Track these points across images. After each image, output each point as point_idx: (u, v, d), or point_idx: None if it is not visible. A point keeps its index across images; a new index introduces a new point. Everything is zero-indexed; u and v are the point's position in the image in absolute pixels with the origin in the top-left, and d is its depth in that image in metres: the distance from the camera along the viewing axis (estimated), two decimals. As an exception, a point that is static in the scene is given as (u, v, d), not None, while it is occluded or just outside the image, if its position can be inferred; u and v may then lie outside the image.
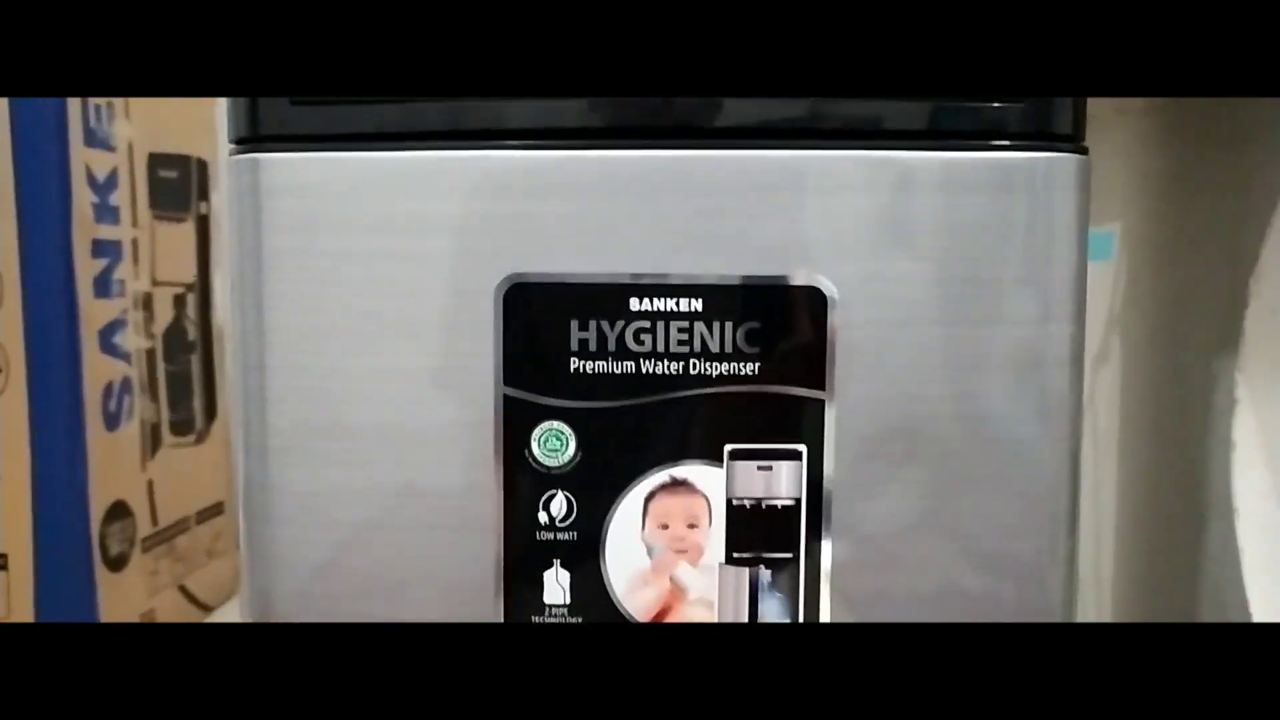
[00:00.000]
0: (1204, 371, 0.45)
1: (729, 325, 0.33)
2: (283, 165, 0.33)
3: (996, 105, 0.33)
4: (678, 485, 0.33)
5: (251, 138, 0.33)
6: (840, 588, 0.34)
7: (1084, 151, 0.34)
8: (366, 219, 0.33)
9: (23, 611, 0.66)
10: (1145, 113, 0.51)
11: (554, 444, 0.33)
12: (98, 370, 0.67)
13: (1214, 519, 0.43)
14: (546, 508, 0.34)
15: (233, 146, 0.34)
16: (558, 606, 0.34)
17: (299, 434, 0.33)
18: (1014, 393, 0.33)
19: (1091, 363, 0.47)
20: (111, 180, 0.69)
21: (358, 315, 0.33)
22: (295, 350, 0.33)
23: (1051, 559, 0.34)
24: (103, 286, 0.68)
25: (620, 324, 0.33)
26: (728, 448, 0.33)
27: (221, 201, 0.79)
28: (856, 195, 0.33)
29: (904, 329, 0.33)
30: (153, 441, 0.73)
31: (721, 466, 0.33)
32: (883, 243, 0.33)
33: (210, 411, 0.82)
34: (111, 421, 0.69)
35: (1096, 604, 0.54)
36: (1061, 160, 0.33)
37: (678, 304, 0.33)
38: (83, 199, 0.66)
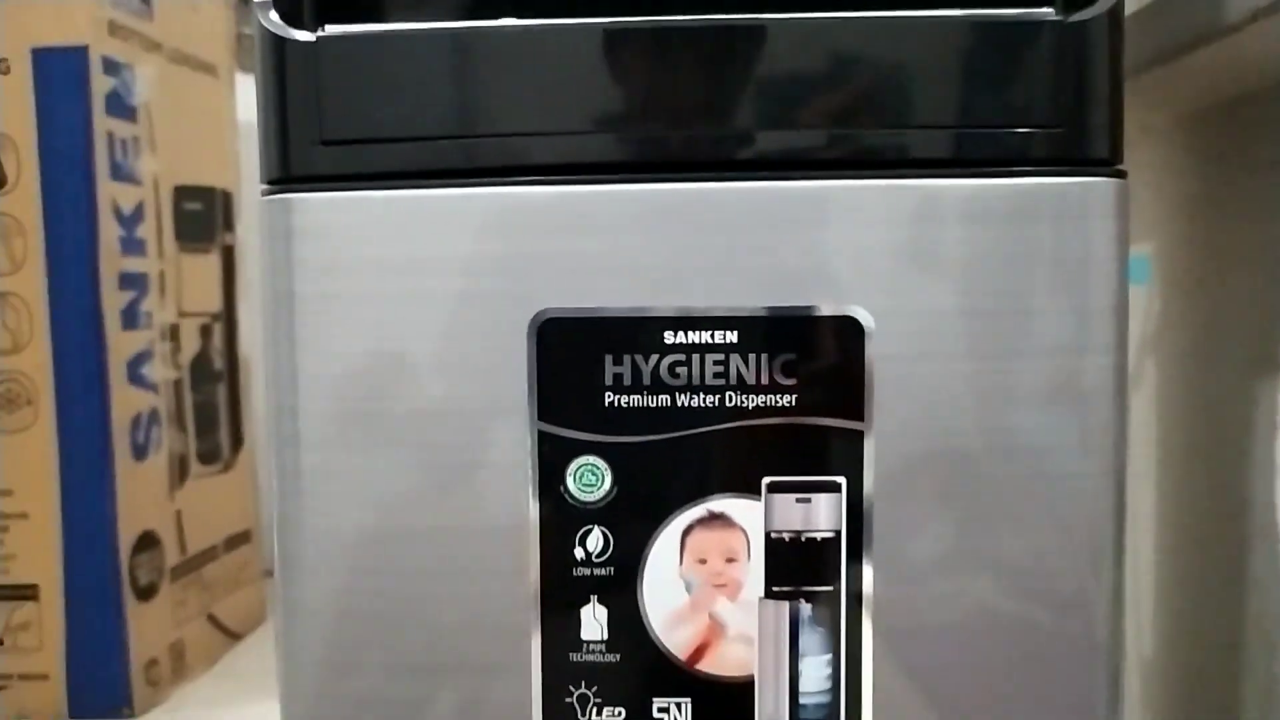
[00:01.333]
0: (1242, 393, 0.44)
1: (764, 357, 0.33)
2: (313, 206, 0.33)
3: (1029, 130, 0.33)
4: (715, 519, 0.33)
5: (283, 178, 0.33)
6: (881, 620, 0.33)
7: (1121, 175, 0.33)
8: (396, 259, 0.33)
9: (52, 642, 0.66)
10: (1170, 132, 0.51)
11: (589, 479, 0.33)
12: (125, 401, 0.67)
13: (1257, 544, 0.42)
14: (583, 543, 0.33)
15: (265, 187, 0.34)
16: (595, 643, 0.33)
17: (333, 477, 0.33)
18: (1052, 424, 0.33)
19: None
20: (138, 213, 0.69)
21: (389, 356, 0.33)
22: (326, 393, 0.33)
23: (1097, 591, 0.33)
24: (130, 318, 0.68)
25: (655, 357, 0.33)
26: (765, 480, 0.33)
27: (246, 232, 0.80)
28: (886, 225, 0.32)
29: (939, 359, 0.33)
30: (180, 471, 0.74)
31: (759, 499, 0.33)
32: (916, 272, 0.33)
33: (236, 440, 0.82)
34: (139, 452, 0.69)
35: (1137, 631, 0.53)
36: (1098, 185, 0.33)
37: (712, 336, 0.33)
38: (109, 232, 0.66)
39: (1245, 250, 0.45)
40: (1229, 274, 0.46)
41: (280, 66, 0.33)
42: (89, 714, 0.67)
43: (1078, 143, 0.33)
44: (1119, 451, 0.33)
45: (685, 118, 0.33)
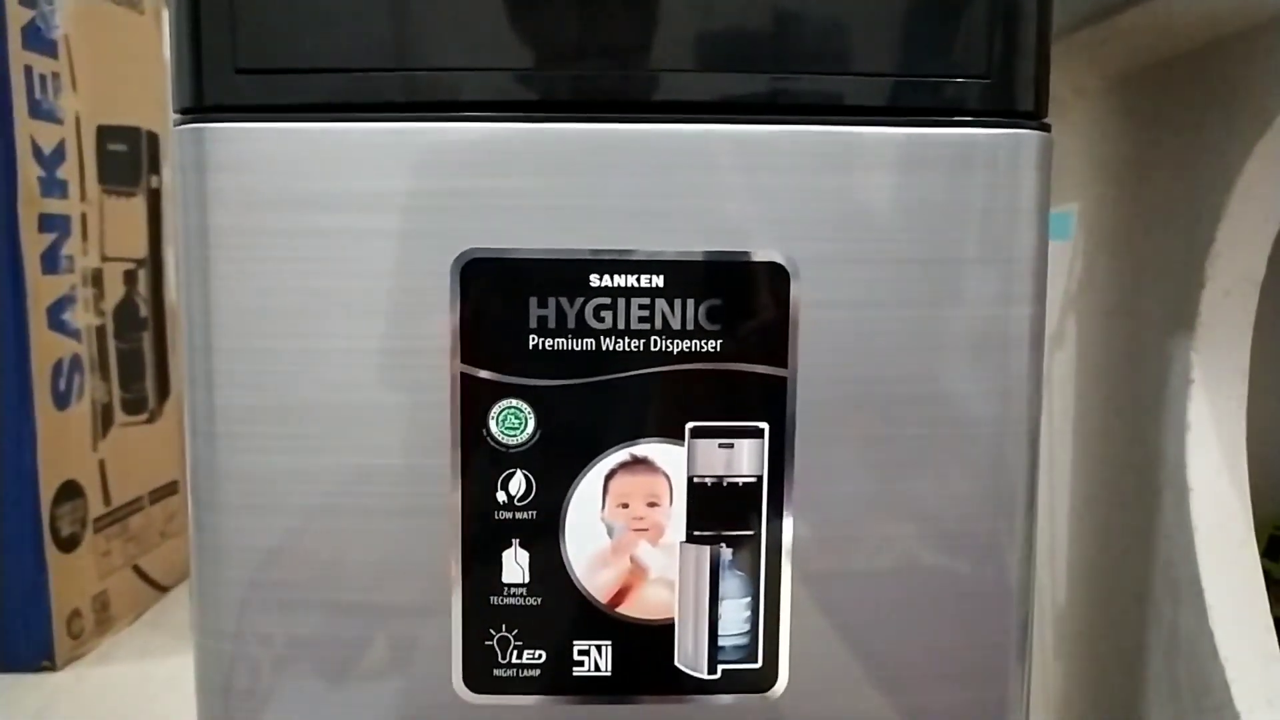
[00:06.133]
0: (1160, 352, 0.45)
1: (690, 302, 0.33)
2: (229, 136, 0.32)
3: (958, 81, 0.33)
4: (638, 464, 0.33)
5: (196, 107, 0.32)
6: (800, 564, 0.34)
7: (1046, 129, 0.34)
8: (316, 193, 0.32)
9: (-30, 594, 0.65)
10: (1102, 94, 0.52)
11: (512, 422, 0.33)
12: (46, 348, 0.66)
13: (1167, 498, 0.44)
14: (505, 487, 0.33)
15: (177, 116, 0.33)
16: (516, 586, 0.33)
17: (248, 418, 0.33)
18: (974, 373, 0.33)
19: (1048, 343, 0.47)
20: (59, 153, 0.67)
21: (309, 294, 0.32)
22: (244, 332, 0.32)
23: (1010, 539, 0.34)
24: (50, 262, 0.66)
25: (580, 301, 0.33)
26: (689, 426, 0.33)
27: (173, 175, 0.77)
28: (816, 172, 0.32)
29: (865, 308, 0.33)
30: (104, 420, 0.72)
31: (682, 445, 0.33)
32: (844, 220, 0.33)
33: (163, 390, 0.80)
34: (61, 400, 0.67)
35: (1051, 581, 0.55)
36: (1024, 137, 0.33)
37: (638, 280, 0.33)
38: (29, 172, 0.64)
39: (1167, 211, 0.46)
40: (1150, 234, 0.47)
41: (193, -14, 0.32)
42: (9, 667, 0.66)
43: (1005, 95, 0.33)
44: (1034, 402, 0.34)
45: (618, 58, 0.33)
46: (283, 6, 0.32)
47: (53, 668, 0.66)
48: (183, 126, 0.32)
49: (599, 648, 0.34)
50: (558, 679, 0.34)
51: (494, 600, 0.33)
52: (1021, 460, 0.34)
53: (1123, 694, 0.48)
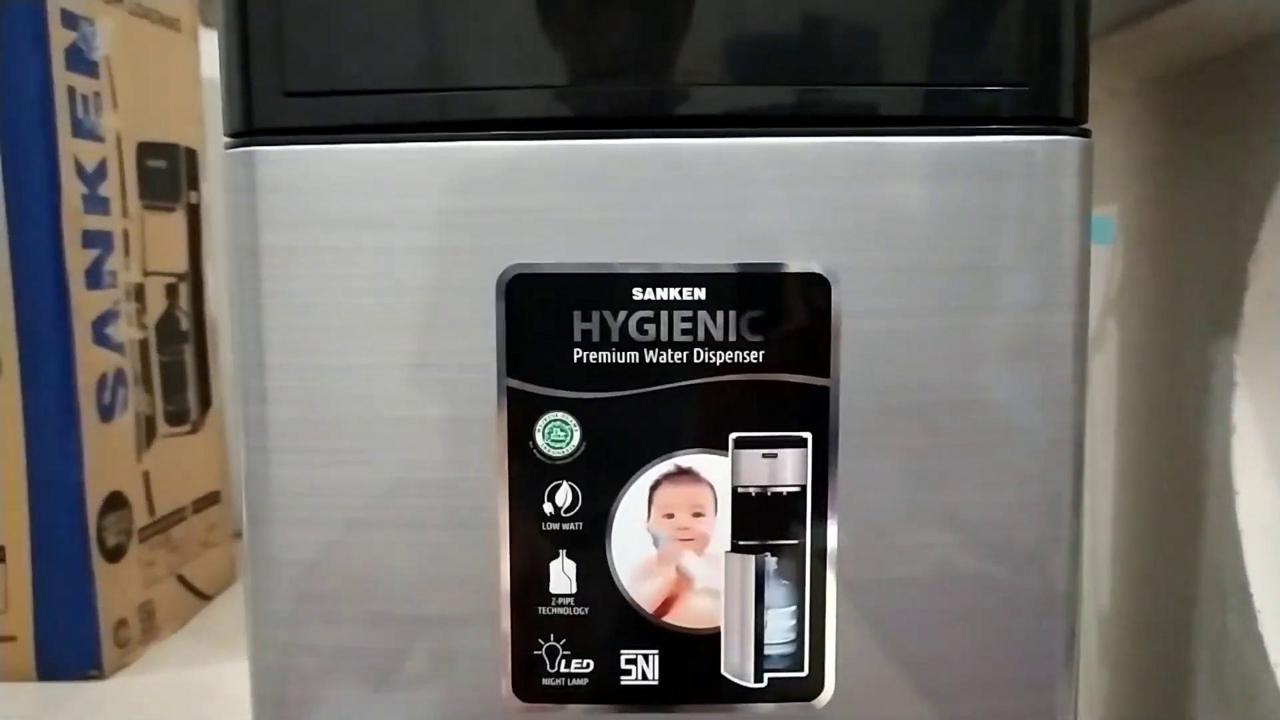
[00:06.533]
0: (1202, 355, 0.45)
1: (732, 314, 0.33)
2: (278, 158, 0.33)
3: (995, 89, 0.33)
4: (682, 474, 0.33)
5: (245, 130, 0.33)
6: (845, 574, 0.34)
7: (1087, 134, 0.33)
8: (363, 212, 0.33)
9: (20, 604, 0.66)
10: (1138, 96, 0.51)
11: (558, 435, 0.33)
12: (91, 362, 0.67)
13: (1212, 501, 0.43)
14: (551, 499, 0.34)
15: (227, 140, 0.33)
16: (564, 596, 0.34)
17: (300, 432, 0.33)
18: (1016, 380, 0.33)
19: (1089, 348, 0.47)
20: (100, 171, 0.68)
21: (356, 311, 0.33)
22: (294, 348, 0.33)
23: (1056, 546, 0.34)
24: (94, 278, 0.67)
25: (623, 314, 0.33)
26: (732, 436, 0.33)
27: (211, 191, 0.79)
28: (854, 182, 0.33)
29: (906, 317, 0.33)
30: (147, 432, 0.73)
31: (726, 455, 0.33)
32: (883, 229, 0.33)
33: (205, 401, 0.81)
34: (106, 413, 0.68)
35: (1095, 586, 0.55)
36: (1064, 143, 0.33)
37: (680, 293, 0.33)
38: (71, 190, 0.65)
39: (1207, 212, 0.45)
40: (1190, 236, 0.47)
41: (243, 14, 0.32)
42: (57, 675, 0.67)
43: (1043, 101, 0.33)
44: (1078, 408, 0.34)
45: (651, 73, 0.33)
46: (328, 30, 0.32)
47: (100, 676, 0.68)
48: (233, 150, 0.33)
49: (646, 656, 0.34)
50: (605, 687, 0.34)
51: (542, 610, 0.34)
52: (1066, 467, 0.34)
53: (1170, 700, 0.47)
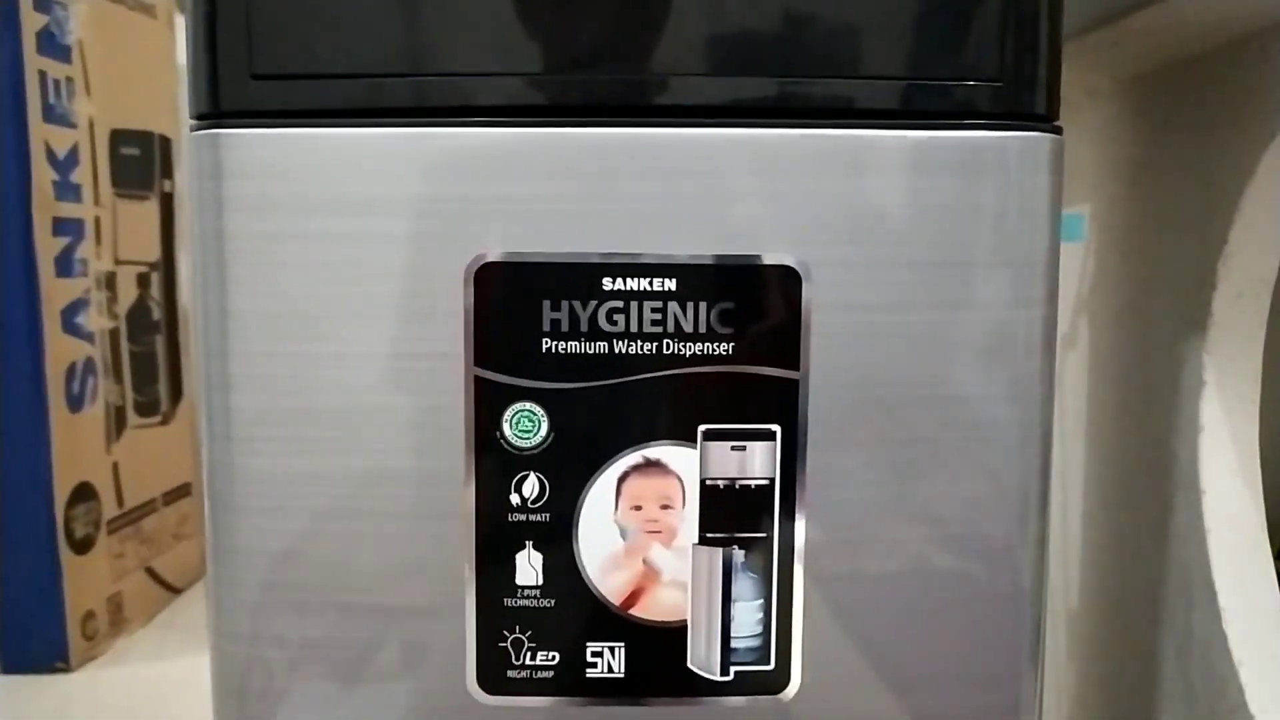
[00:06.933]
0: (1171, 354, 0.45)
1: (702, 305, 0.33)
2: (245, 142, 0.32)
3: (969, 84, 0.33)
4: (651, 466, 0.33)
5: (213, 113, 0.32)
6: (813, 567, 0.34)
7: (1058, 131, 0.34)
8: (331, 198, 0.32)
9: (-15, 595, 0.65)
10: (1114, 96, 0.51)
11: (526, 425, 0.33)
12: (60, 351, 0.66)
13: (1180, 500, 0.44)
14: (518, 489, 0.33)
15: (193, 122, 0.33)
16: (530, 589, 0.34)
17: (264, 421, 0.33)
18: (986, 376, 0.33)
19: (1059, 345, 0.47)
20: (72, 157, 0.67)
21: (323, 299, 0.32)
22: (259, 335, 0.33)
23: (1022, 541, 0.34)
24: (64, 266, 0.66)
25: (593, 304, 0.33)
26: (701, 428, 0.33)
27: (187, 180, 0.78)
28: (827, 175, 0.33)
29: (876, 310, 0.33)
30: (117, 423, 0.72)
31: (695, 447, 0.33)
32: (855, 223, 0.33)
33: (176, 393, 0.80)
34: (75, 403, 0.67)
35: (1064, 583, 0.55)
36: (1036, 140, 0.33)
37: (651, 284, 0.33)
38: (43, 176, 0.64)
39: (1179, 213, 0.46)
40: (1163, 236, 0.47)
41: (209, -6, 0.32)
42: (24, 668, 0.66)
43: (1016, 98, 0.33)
44: (1046, 404, 0.34)
45: (628, 62, 0.33)
46: (298, 13, 0.32)
47: (67, 669, 0.67)
48: (199, 132, 0.32)
49: (612, 649, 0.34)
50: (571, 680, 0.34)
51: (507, 602, 0.33)
52: (1034, 463, 0.34)
53: (1136, 696, 0.48)
